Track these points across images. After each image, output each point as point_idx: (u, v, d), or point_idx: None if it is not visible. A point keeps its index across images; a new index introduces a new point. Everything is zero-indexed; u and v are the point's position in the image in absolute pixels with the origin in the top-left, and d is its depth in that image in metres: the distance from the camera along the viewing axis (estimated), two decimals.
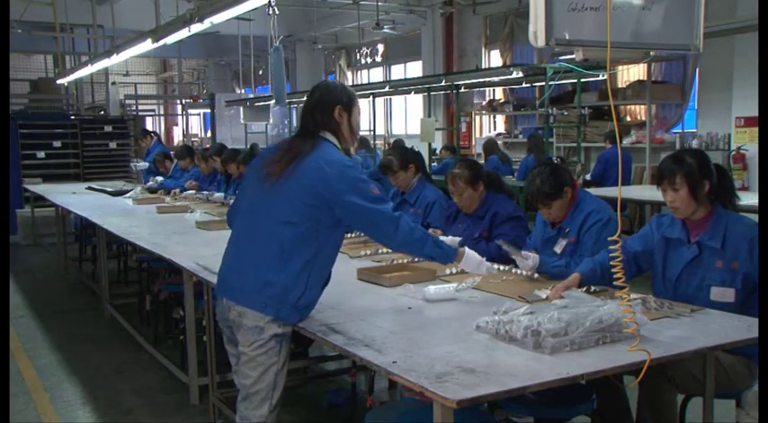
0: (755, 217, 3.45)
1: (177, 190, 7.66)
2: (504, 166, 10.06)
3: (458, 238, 3.90)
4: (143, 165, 9.74)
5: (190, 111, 20.04)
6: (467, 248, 3.03)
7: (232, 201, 6.38)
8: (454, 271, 3.41)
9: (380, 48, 16.89)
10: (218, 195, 6.89)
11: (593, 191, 5.71)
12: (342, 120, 2.77)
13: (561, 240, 3.56)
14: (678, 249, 3.01)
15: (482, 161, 10.70)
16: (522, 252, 3.40)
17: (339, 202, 2.62)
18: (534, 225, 3.83)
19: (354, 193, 2.62)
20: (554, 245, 3.58)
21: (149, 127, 17.00)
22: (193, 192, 7.38)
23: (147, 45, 7.53)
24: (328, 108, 2.75)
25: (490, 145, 11.07)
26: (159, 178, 8.36)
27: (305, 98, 2.83)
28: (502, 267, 3.52)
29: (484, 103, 13.77)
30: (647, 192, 7.49)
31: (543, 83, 8.87)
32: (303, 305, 2.65)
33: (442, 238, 3.78)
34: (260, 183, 2.73)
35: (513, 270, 3.46)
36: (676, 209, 2.96)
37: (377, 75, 17.11)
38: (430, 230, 3.67)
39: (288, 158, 2.67)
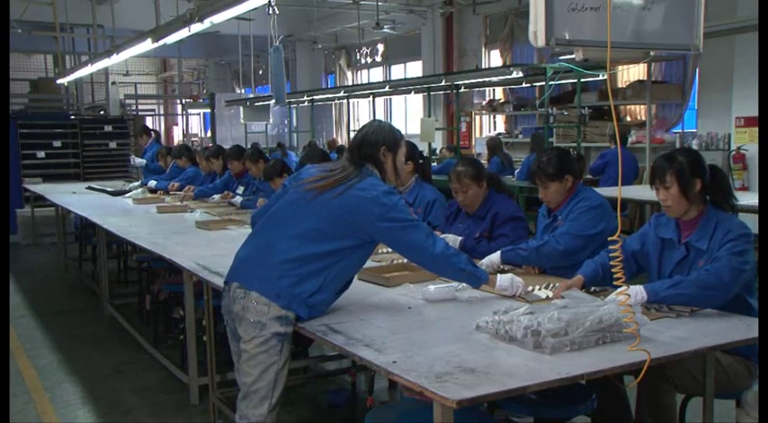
0: (755, 217, 3.44)
1: (177, 185, 7.67)
2: (506, 169, 10.02)
3: (459, 238, 3.92)
4: (141, 161, 9.75)
5: (190, 111, 20.07)
6: (497, 274, 3.08)
7: (234, 199, 6.50)
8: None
9: (380, 48, 16.89)
10: (217, 196, 6.90)
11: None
12: (386, 159, 2.88)
13: (555, 226, 3.61)
14: (670, 250, 3.01)
15: (484, 160, 10.68)
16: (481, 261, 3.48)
17: (378, 224, 2.71)
18: (535, 225, 3.84)
19: (394, 214, 2.73)
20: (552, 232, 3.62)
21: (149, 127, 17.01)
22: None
23: (147, 45, 7.54)
24: (374, 146, 2.85)
25: (494, 143, 10.93)
26: (153, 182, 8.35)
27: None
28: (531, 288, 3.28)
29: (484, 103, 13.76)
30: (647, 192, 7.43)
31: (543, 83, 8.87)
32: (312, 303, 2.69)
33: (443, 236, 3.81)
34: (300, 193, 2.81)
35: (532, 288, 3.30)
36: (668, 208, 2.96)
37: (377, 75, 17.11)
38: None
39: (338, 178, 2.78)
